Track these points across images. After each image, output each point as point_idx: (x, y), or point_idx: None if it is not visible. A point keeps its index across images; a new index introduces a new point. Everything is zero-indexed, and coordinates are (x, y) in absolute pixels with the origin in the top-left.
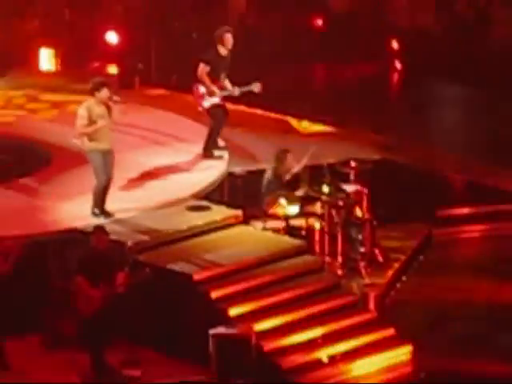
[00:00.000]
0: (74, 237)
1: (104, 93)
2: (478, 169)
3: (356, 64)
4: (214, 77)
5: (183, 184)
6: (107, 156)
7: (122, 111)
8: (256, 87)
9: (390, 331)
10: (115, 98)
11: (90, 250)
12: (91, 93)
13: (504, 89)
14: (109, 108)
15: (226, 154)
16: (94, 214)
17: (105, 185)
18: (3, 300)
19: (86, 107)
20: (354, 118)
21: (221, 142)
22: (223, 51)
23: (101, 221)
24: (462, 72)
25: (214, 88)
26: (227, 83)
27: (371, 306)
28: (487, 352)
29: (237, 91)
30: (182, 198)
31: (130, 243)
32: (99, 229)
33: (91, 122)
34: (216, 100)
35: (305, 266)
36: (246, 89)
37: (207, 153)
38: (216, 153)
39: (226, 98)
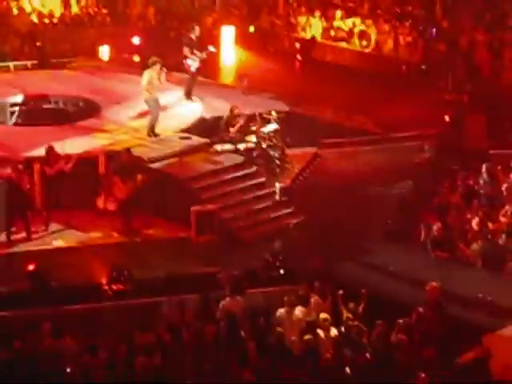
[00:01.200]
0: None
1: (156, 66)
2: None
3: None
4: (192, 52)
5: (174, 120)
6: (157, 101)
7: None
8: (212, 48)
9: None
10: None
11: (121, 162)
12: (149, 66)
13: None
14: (159, 75)
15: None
16: (149, 135)
17: (156, 117)
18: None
19: (148, 74)
20: None
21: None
22: (194, 37)
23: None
24: None
25: (193, 56)
26: (198, 53)
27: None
28: None
29: (204, 55)
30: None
31: (146, 158)
32: (127, 149)
33: (150, 82)
34: (196, 65)
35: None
36: (207, 51)
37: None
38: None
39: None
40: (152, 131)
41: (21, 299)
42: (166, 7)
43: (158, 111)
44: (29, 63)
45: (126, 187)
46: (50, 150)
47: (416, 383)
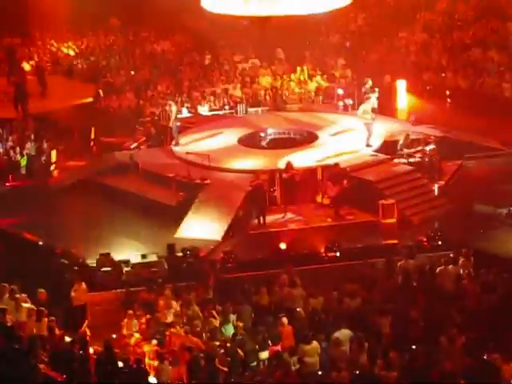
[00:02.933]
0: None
1: (369, 101)
2: None
3: None
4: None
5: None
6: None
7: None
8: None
9: None
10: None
11: (332, 171)
12: (364, 101)
13: None
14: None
15: None
16: (367, 145)
17: (371, 133)
18: None
19: (363, 106)
20: None
21: None
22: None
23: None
24: None
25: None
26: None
27: None
28: None
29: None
30: None
31: (347, 168)
32: (335, 163)
33: (365, 111)
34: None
35: None
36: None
37: None
38: None
39: None
40: (367, 144)
41: (266, 263)
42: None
43: (370, 132)
44: (266, 108)
45: (335, 188)
46: (289, 164)
47: None
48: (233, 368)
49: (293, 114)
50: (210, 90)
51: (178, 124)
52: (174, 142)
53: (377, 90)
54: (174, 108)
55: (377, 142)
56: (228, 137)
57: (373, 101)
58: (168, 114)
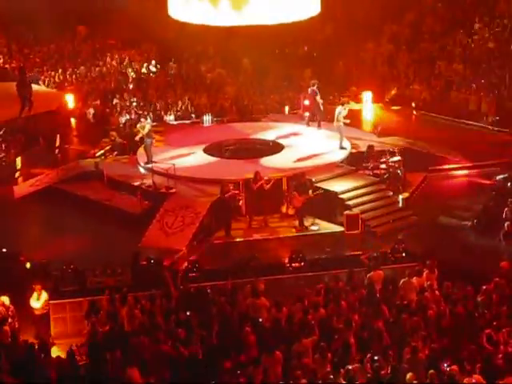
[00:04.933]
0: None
1: (344, 106)
2: None
3: None
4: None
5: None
6: (341, 128)
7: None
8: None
9: None
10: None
11: (297, 182)
12: (341, 105)
13: None
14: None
15: None
16: (340, 148)
17: (342, 138)
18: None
19: (338, 109)
20: None
21: None
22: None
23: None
24: None
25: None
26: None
27: None
28: None
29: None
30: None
31: (313, 179)
32: (301, 173)
33: (338, 117)
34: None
35: None
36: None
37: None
38: None
39: None
40: (341, 147)
41: (230, 273)
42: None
43: (342, 135)
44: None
45: (300, 199)
46: (257, 173)
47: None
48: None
49: (258, 124)
50: (175, 99)
51: (151, 140)
52: (146, 160)
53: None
54: (147, 125)
55: (342, 153)
56: (194, 147)
57: (346, 110)
58: (136, 130)
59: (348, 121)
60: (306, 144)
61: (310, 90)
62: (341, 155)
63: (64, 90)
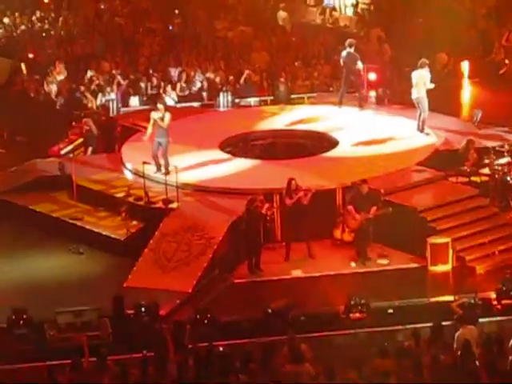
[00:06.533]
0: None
1: (426, 68)
2: None
3: None
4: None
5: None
6: (425, 99)
7: None
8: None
9: None
10: None
11: (356, 193)
12: (420, 67)
13: None
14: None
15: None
16: (421, 131)
17: (427, 113)
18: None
19: (418, 74)
20: None
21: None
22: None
23: None
24: None
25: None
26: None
27: None
28: None
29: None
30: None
31: (382, 190)
32: (363, 181)
33: (418, 83)
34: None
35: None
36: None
37: None
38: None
39: None
40: (423, 127)
41: (259, 327)
42: (400, 44)
43: (427, 108)
44: (268, 99)
45: (359, 217)
46: (291, 182)
47: None
48: None
49: (301, 107)
50: (177, 70)
51: (165, 141)
52: (156, 168)
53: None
54: (167, 115)
55: (424, 153)
56: (206, 140)
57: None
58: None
59: (433, 85)
60: (368, 136)
61: (345, 52)
62: (423, 151)
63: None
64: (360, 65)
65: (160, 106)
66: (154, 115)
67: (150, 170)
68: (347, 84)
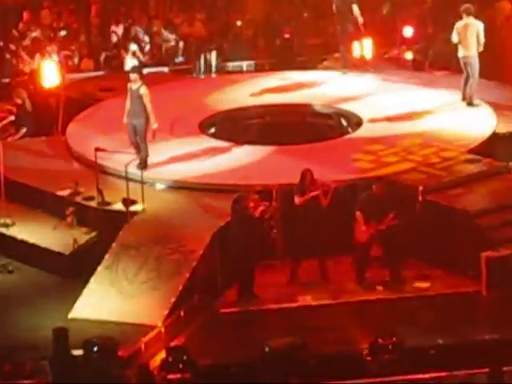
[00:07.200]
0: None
1: (471, 18)
2: None
3: None
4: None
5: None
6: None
7: None
8: None
9: None
10: None
11: (371, 194)
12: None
13: None
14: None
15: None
16: (469, 104)
17: (476, 79)
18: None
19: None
20: None
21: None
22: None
23: None
24: None
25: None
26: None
27: None
28: None
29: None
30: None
31: (420, 188)
32: (378, 178)
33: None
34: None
35: None
36: None
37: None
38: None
39: None
40: (471, 99)
41: (252, 373)
42: None
43: (477, 71)
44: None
45: (365, 229)
46: (308, 174)
47: None
48: None
49: (309, 74)
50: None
51: (141, 123)
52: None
53: None
54: (133, 86)
55: (478, 137)
56: (181, 118)
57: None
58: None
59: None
60: (402, 114)
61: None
62: (477, 134)
63: None
64: (356, 10)
65: (133, 75)
66: (132, 86)
67: (106, 158)
68: (346, 38)
